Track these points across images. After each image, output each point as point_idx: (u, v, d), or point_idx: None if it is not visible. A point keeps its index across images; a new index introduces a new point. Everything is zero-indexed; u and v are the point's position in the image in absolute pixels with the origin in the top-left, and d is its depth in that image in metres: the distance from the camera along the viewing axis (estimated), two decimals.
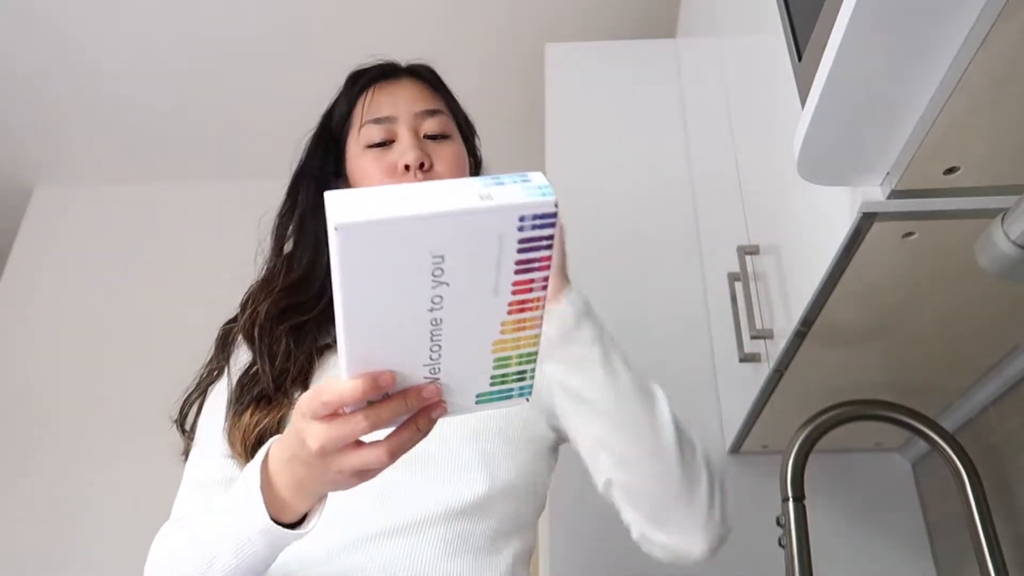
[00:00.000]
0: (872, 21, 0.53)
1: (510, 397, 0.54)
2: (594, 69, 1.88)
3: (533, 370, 0.53)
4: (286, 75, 2.25)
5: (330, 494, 0.65)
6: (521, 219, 0.44)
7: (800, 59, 0.67)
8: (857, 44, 0.55)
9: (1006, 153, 0.65)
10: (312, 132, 1.03)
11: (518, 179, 0.45)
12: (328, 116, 1.02)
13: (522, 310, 0.48)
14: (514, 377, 0.53)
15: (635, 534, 0.83)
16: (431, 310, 0.46)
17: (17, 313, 2.52)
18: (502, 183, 0.44)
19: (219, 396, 0.88)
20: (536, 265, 0.46)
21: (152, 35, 2.21)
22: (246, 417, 0.81)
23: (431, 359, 0.49)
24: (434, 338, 0.48)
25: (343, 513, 0.75)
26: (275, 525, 0.62)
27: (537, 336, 0.51)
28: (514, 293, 0.47)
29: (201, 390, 0.91)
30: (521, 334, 0.50)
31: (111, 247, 2.61)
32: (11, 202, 2.74)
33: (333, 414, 0.53)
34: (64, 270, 2.58)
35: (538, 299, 0.49)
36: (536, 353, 0.52)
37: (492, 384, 0.53)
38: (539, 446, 0.87)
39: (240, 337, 0.91)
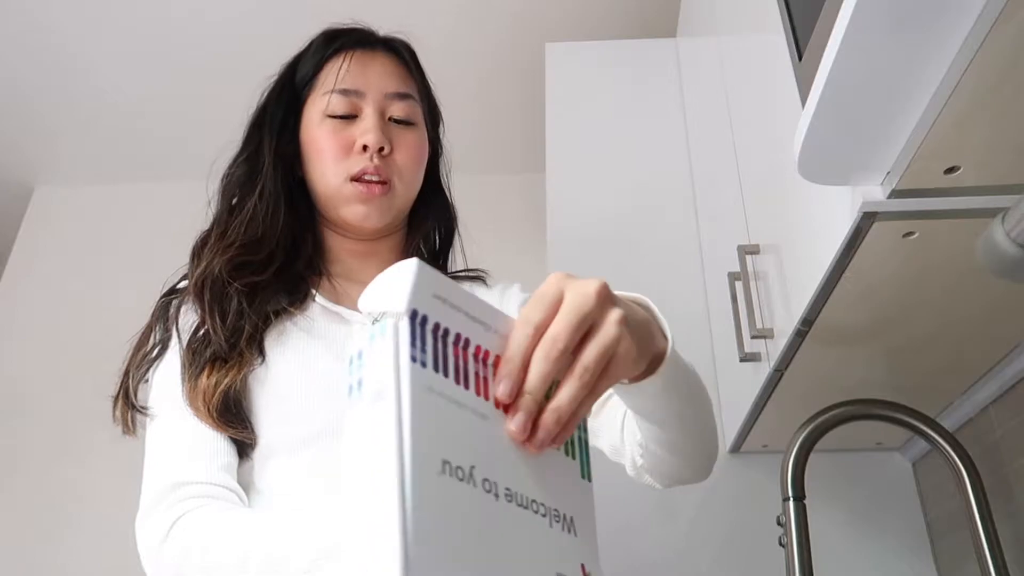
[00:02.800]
0: (872, 21, 0.53)
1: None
2: (594, 69, 1.88)
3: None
4: None
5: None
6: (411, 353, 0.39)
7: (800, 59, 0.67)
8: (857, 44, 0.55)
9: (1006, 152, 0.65)
10: (273, 79, 0.98)
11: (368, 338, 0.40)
12: (292, 68, 0.97)
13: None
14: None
15: (633, 473, 0.83)
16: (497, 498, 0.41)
17: (17, 313, 2.52)
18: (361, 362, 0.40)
19: (171, 365, 0.83)
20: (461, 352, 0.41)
21: (152, 36, 2.21)
22: (203, 380, 0.78)
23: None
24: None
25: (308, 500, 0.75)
26: None
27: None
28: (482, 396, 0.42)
29: (151, 362, 0.85)
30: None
31: (111, 247, 2.61)
32: (11, 202, 2.74)
33: None
34: (64, 270, 2.58)
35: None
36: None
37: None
38: None
39: (185, 301, 0.86)
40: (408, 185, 0.93)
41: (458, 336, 0.41)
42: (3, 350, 2.48)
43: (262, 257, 0.88)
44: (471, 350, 0.42)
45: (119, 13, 2.14)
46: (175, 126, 2.52)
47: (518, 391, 0.43)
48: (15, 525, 2.21)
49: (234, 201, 0.93)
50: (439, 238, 1.04)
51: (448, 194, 1.06)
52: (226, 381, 0.77)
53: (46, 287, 2.55)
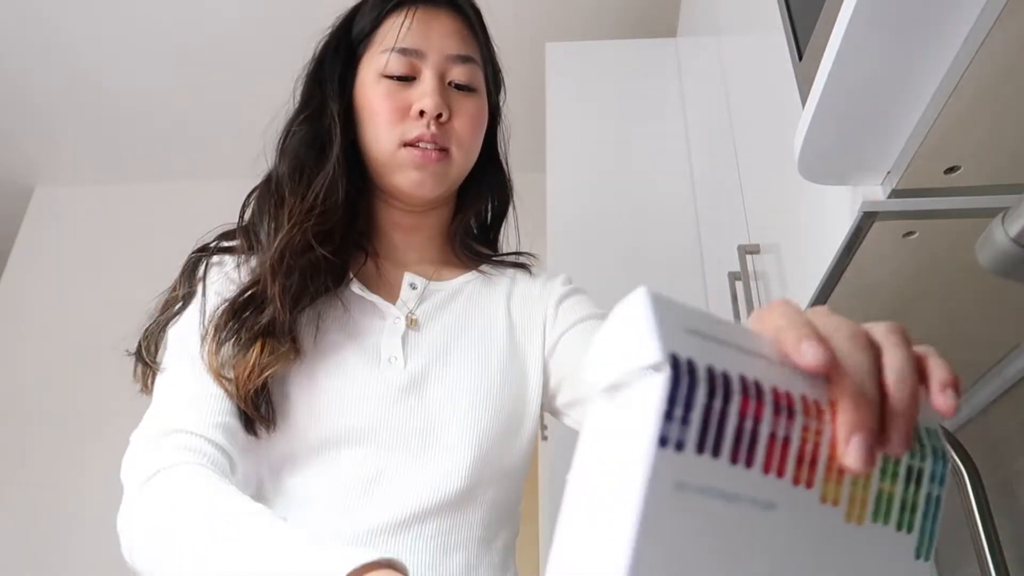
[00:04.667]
0: (872, 21, 0.53)
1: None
2: (594, 69, 1.89)
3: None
4: (288, 75, 2.25)
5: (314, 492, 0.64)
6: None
7: (801, 59, 0.67)
8: (857, 44, 0.55)
9: (1006, 152, 0.65)
10: (328, 31, 0.91)
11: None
12: (349, 20, 0.91)
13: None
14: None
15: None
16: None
17: (17, 313, 2.52)
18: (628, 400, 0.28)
19: (189, 320, 0.78)
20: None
21: (152, 36, 2.21)
22: (253, 353, 0.72)
23: None
24: None
25: (335, 514, 0.73)
26: None
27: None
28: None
29: (167, 320, 0.80)
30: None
31: (111, 247, 2.62)
32: (11, 202, 2.75)
33: None
34: (64, 270, 2.58)
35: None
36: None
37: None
38: (531, 428, 0.84)
39: (217, 263, 0.81)
40: (466, 154, 0.87)
41: (744, 382, 0.28)
42: (3, 350, 2.48)
43: (332, 227, 0.82)
44: (767, 398, 0.28)
45: (120, 13, 2.14)
46: (175, 126, 2.52)
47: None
48: (15, 525, 2.21)
49: (301, 163, 0.85)
50: (491, 212, 0.99)
51: (505, 165, 0.99)
52: (275, 368, 0.72)
53: (46, 287, 2.55)
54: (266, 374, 0.72)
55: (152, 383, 0.79)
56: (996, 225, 0.60)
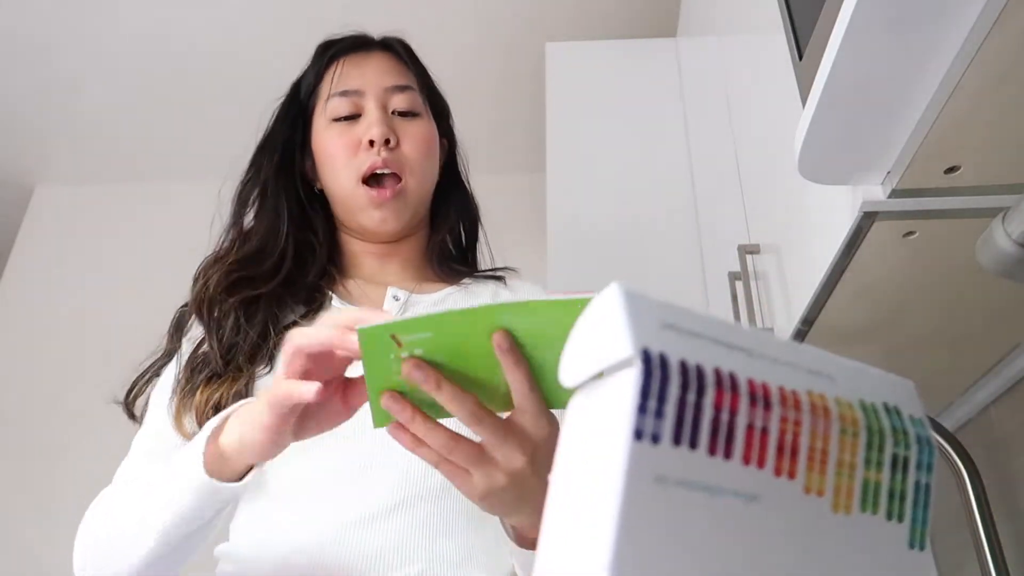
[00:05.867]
0: (872, 21, 0.53)
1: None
2: (594, 69, 1.89)
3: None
4: (286, 76, 2.25)
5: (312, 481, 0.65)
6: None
7: (801, 58, 0.67)
8: (857, 44, 0.55)
9: (1007, 152, 0.65)
10: (280, 101, 1.00)
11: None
12: (297, 86, 0.99)
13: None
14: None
15: None
16: None
17: (17, 313, 2.53)
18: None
19: (167, 378, 0.85)
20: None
21: (152, 36, 2.21)
22: (197, 396, 0.78)
23: None
24: None
25: (326, 502, 0.75)
26: (207, 478, 0.61)
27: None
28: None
29: (153, 372, 0.87)
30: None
31: (111, 247, 2.62)
32: (11, 202, 2.75)
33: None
34: (64, 270, 2.58)
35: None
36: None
37: None
38: None
39: (193, 317, 0.87)
40: (420, 178, 0.93)
41: (718, 374, 0.28)
42: (3, 350, 2.48)
43: (264, 270, 0.88)
44: (742, 390, 0.28)
45: (120, 14, 2.14)
46: (175, 126, 2.52)
47: None
48: (15, 525, 2.21)
49: (239, 218, 0.95)
50: (464, 233, 1.04)
51: (467, 186, 1.05)
52: (217, 395, 0.77)
53: (46, 287, 2.55)
54: (210, 404, 0.77)
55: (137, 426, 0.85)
56: (996, 225, 0.60)
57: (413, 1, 2.06)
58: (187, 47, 2.25)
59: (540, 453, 0.53)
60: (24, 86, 2.37)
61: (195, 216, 3.11)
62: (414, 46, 1.02)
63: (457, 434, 0.52)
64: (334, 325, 0.51)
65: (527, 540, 0.64)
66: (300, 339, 0.52)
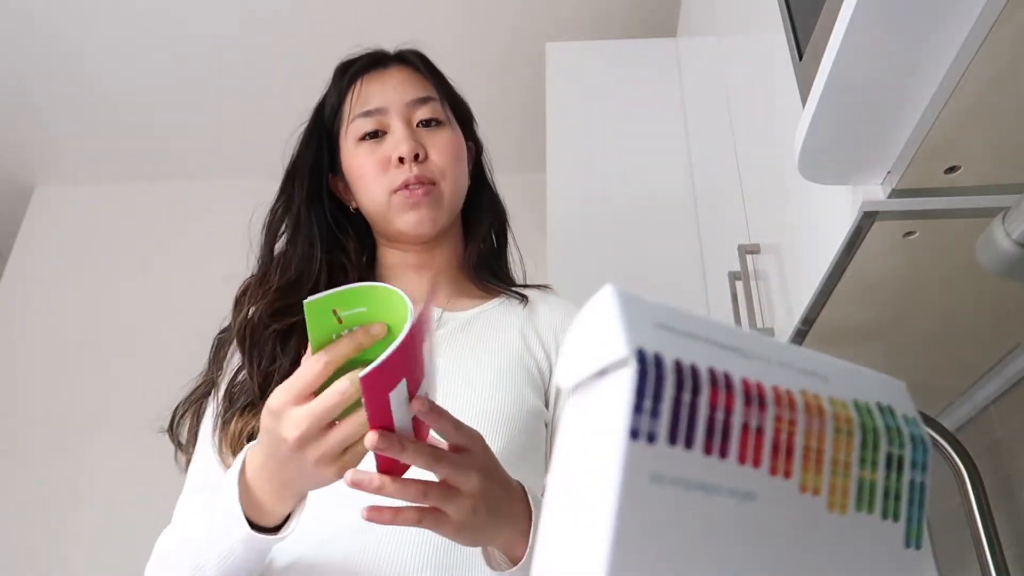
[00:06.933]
0: (872, 21, 0.53)
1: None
2: (594, 69, 1.89)
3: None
4: (285, 74, 2.26)
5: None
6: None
7: (801, 58, 0.68)
8: (857, 44, 0.55)
9: (1007, 152, 0.65)
10: (304, 126, 1.01)
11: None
12: (320, 110, 1.00)
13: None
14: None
15: None
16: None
17: (17, 313, 2.53)
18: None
19: (211, 408, 0.86)
20: None
21: (152, 36, 2.21)
22: (232, 425, 0.79)
23: None
24: None
25: (330, 504, 0.75)
26: (255, 533, 0.63)
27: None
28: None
29: (193, 401, 0.88)
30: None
31: (111, 247, 2.61)
32: (11, 202, 2.74)
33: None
34: (64, 270, 2.58)
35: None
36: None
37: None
38: (546, 448, 0.85)
39: (233, 343, 0.88)
40: (453, 182, 0.94)
41: (713, 374, 0.28)
42: (3, 350, 2.48)
43: (303, 297, 0.88)
44: (737, 389, 0.28)
45: (120, 14, 2.14)
46: (175, 126, 2.52)
47: None
48: (15, 525, 2.21)
49: (271, 245, 0.96)
50: (495, 239, 1.05)
51: (494, 188, 1.06)
52: (252, 426, 0.78)
53: (46, 287, 2.55)
54: (244, 434, 0.78)
55: (184, 462, 0.87)
56: (996, 225, 0.60)
57: (412, 3, 2.07)
58: (189, 46, 2.25)
59: (482, 460, 0.59)
60: (25, 86, 2.37)
61: (196, 216, 3.10)
62: (414, 46, 1.02)
63: (427, 480, 0.56)
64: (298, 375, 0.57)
65: (515, 558, 0.65)
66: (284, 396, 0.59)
